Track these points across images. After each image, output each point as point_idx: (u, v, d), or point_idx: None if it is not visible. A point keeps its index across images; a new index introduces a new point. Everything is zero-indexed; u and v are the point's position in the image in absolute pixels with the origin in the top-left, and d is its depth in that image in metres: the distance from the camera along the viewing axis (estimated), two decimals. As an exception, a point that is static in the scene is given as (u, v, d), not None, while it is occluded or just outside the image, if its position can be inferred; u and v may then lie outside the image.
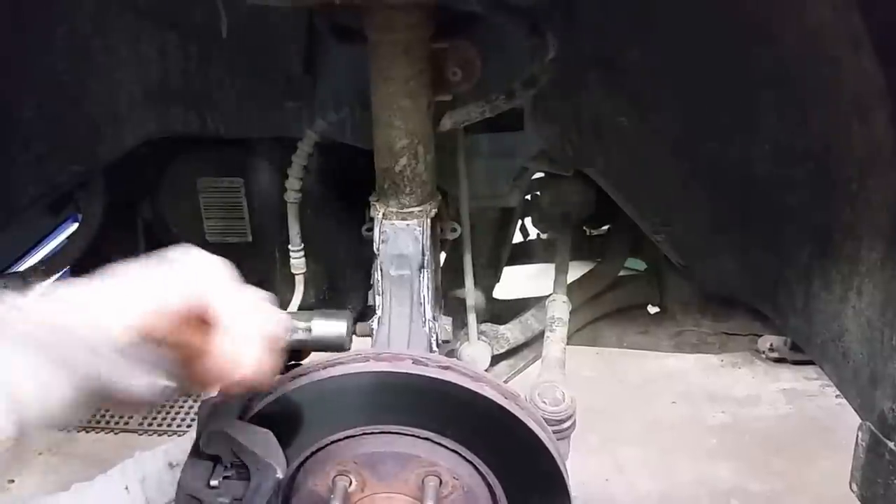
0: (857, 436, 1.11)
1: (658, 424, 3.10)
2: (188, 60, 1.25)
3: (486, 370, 1.48)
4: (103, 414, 3.38)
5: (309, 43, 1.21)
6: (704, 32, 1.07)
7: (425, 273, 1.09)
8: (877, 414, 1.07)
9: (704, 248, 1.32)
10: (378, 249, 1.10)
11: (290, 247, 1.26)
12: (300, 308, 1.29)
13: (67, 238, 1.65)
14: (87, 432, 3.27)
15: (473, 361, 1.46)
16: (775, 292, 1.29)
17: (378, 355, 0.91)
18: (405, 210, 1.09)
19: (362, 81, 1.09)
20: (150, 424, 3.29)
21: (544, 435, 0.93)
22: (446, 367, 0.90)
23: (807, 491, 2.74)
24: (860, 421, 1.12)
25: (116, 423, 3.32)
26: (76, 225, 1.61)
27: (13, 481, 3.05)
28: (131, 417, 3.35)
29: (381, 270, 1.10)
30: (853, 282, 1.10)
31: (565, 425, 1.01)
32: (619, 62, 1.14)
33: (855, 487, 1.13)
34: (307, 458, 0.93)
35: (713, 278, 1.38)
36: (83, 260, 1.62)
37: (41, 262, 1.63)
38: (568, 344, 1.38)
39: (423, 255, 1.09)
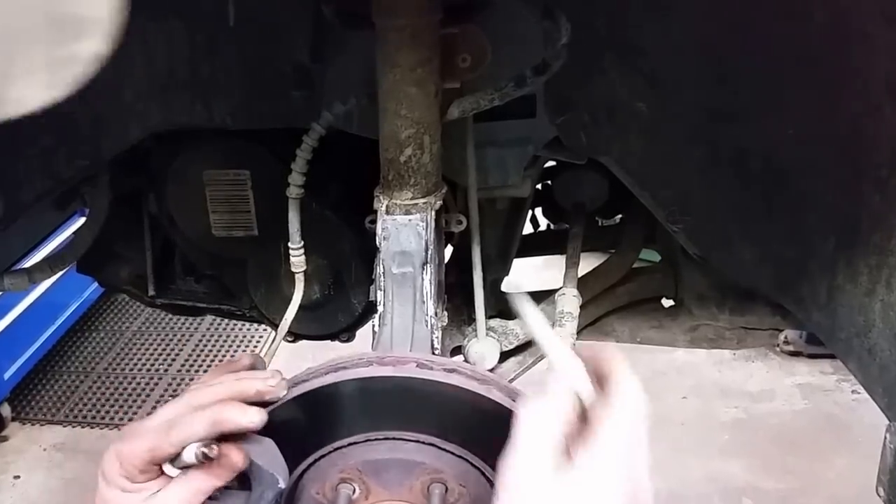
0: (885, 438, 1.07)
1: (668, 420, 3.06)
2: (194, 50, 1.21)
3: (493, 368, 1.45)
4: (108, 410, 3.38)
5: (316, 31, 1.17)
6: (729, 9, 1.02)
7: (428, 269, 1.05)
8: (907, 414, 1.03)
9: (723, 238, 1.27)
10: (380, 245, 1.06)
11: (289, 244, 1.21)
12: (302, 305, 1.25)
13: (74, 233, 1.62)
14: (92, 429, 3.26)
15: (482, 359, 1.43)
16: (797, 285, 1.24)
17: (381, 359, 0.88)
18: (409, 202, 1.05)
19: (370, 70, 1.05)
20: (154, 421, 3.27)
21: None
22: (452, 370, 0.86)
23: (822, 489, 2.70)
24: (881, 419, 1.08)
25: (121, 419, 3.32)
26: (82, 220, 1.59)
27: (18, 477, 3.05)
28: (135, 413, 3.35)
29: (383, 267, 1.06)
30: (881, 274, 1.06)
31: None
32: (636, 43, 1.09)
33: (882, 492, 1.09)
34: (309, 466, 0.90)
35: (732, 270, 1.33)
36: (89, 255, 1.60)
37: (48, 257, 1.60)
38: (578, 339, 1.35)
39: (427, 250, 1.05)
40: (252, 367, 0.92)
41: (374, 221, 1.09)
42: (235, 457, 0.79)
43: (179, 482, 0.79)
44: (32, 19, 0.42)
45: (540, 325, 0.77)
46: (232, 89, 1.23)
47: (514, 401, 0.86)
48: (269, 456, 0.82)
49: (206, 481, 0.79)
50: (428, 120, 1.03)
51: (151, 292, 1.69)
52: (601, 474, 0.63)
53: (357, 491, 0.89)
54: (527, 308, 0.80)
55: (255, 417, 0.80)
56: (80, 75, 0.43)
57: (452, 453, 0.88)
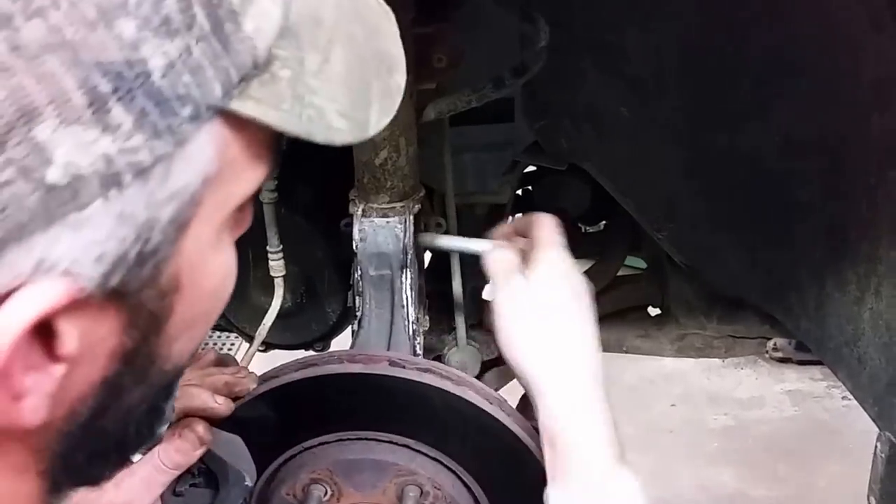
0: (876, 447, 1.06)
1: (656, 428, 3.03)
2: None
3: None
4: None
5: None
6: (713, 11, 1.00)
7: (407, 273, 1.03)
8: (897, 424, 1.01)
9: (709, 246, 1.26)
10: (357, 248, 1.03)
11: (268, 248, 1.19)
12: (279, 313, 1.22)
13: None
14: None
15: (463, 368, 1.40)
16: (786, 293, 1.22)
17: (353, 357, 0.87)
18: (386, 206, 1.03)
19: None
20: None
21: (532, 443, 0.86)
22: (426, 370, 0.84)
23: (813, 497, 2.68)
24: (872, 426, 1.07)
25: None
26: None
27: None
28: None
29: (361, 270, 1.03)
30: (870, 282, 1.04)
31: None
32: (617, 46, 1.06)
33: (873, 501, 1.08)
34: (280, 466, 0.89)
35: (719, 278, 1.32)
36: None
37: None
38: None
39: (405, 253, 1.02)
40: (219, 362, 0.90)
41: (349, 224, 1.06)
42: (198, 428, 0.77)
43: (141, 461, 0.77)
44: (370, 53, 0.49)
45: (456, 240, 1.02)
46: None
47: (489, 402, 0.84)
48: (236, 453, 0.81)
49: (167, 457, 0.76)
50: (403, 121, 1.00)
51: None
52: (550, 269, 0.82)
53: (328, 492, 0.87)
54: (438, 238, 1.04)
55: (223, 402, 0.80)
56: (395, 105, 0.49)
57: (426, 454, 0.86)
